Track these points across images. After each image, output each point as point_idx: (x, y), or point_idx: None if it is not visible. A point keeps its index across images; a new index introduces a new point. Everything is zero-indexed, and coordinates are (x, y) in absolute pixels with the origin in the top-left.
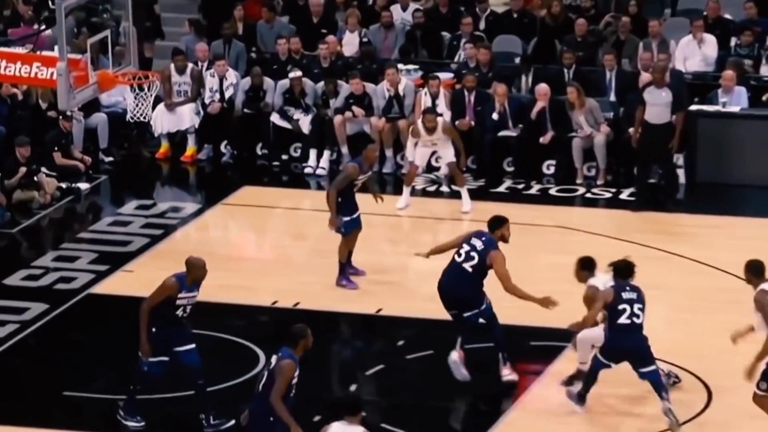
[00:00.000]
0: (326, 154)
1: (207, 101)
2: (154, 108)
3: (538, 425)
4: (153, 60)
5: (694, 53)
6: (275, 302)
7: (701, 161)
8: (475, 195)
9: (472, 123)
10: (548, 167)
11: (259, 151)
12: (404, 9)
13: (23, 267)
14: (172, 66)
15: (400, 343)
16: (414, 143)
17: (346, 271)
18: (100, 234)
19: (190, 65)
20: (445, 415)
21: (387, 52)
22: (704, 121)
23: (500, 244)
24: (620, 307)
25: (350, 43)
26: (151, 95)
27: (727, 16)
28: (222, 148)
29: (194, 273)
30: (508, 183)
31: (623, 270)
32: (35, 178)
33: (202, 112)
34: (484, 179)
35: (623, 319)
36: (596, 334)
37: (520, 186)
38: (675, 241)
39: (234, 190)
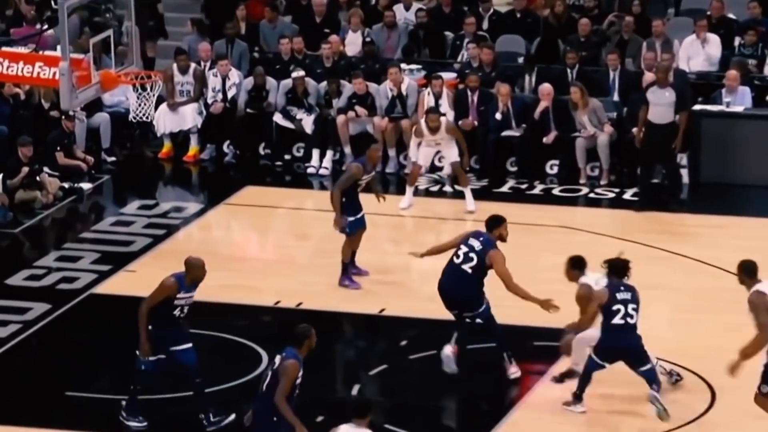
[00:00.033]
0: (329, 153)
1: (210, 101)
2: (156, 108)
3: (541, 425)
4: (156, 60)
5: (697, 53)
6: (278, 302)
7: (705, 161)
8: (478, 195)
9: (475, 123)
10: (551, 167)
11: (261, 151)
12: (407, 9)
13: (26, 267)
14: (175, 66)
15: (403, 343)
16: (417, 143)
17: (349, 271)
18: (102, 234)
19: (193, 65)
20: (448, 416)
21: (390, 51)
22: (708, 120)
23: (500, 244)
24: (614, 307)
25: (353, 43)
26: (154, 95)
27: (731, 15)
28: (225, 148)
29: (193, 273)
30: (511, 183)
31: (619, 268)
32: (38, 178)
33: (204, 112)
34: (487, 179)
35: (617, 320)
36: (591, 335)
37: (523, 186)
38: (678, 241)
39: (237, 190)
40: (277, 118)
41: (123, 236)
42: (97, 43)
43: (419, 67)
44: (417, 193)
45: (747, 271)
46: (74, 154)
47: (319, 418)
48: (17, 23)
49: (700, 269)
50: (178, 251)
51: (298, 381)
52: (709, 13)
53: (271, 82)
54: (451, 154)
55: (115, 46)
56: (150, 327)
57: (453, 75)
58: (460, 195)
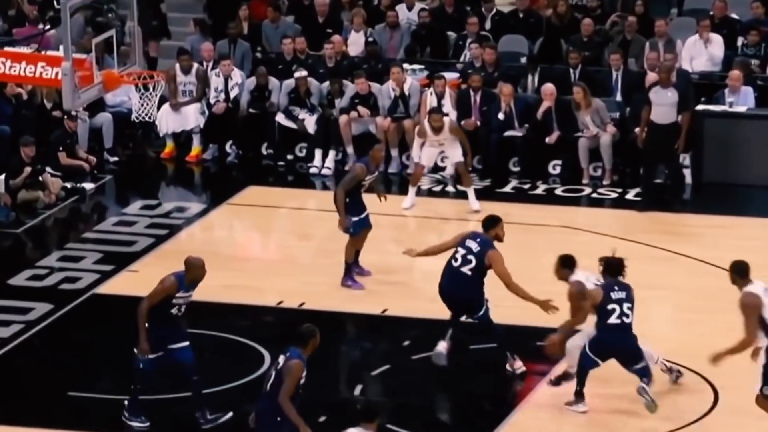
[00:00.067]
0: (331, 154)
1: (212, 101)
2: (159, 108)
3: (544, 426)
4: (158, 60)
5: (700, 53)
6: (280, 302)
7: (708, 161)
8: (480, 195)
9: (478, 123)
10: (554, 167)
11: (264, 151)
12: (410, 9)
13: (28, 267)
14: (177, 66)
15: (406, 343)
16: (420, 143)
17: (352, 270)
18: (104, 234)
19: (195, 65)
20: (451, 416)
21: (392, 51)
22: (711, 121)
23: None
24: (609, 307)
25: (355, 43)
26: (156, 95)
27: (734, 15)
28: (227, 148)
29: (193, 273)
30: (513, 183)
31: (614, 267)
32: (40, 178)
33: (207, 112)
34: (489, 179)
35: (613, 319)
36: (584, 338)
37: (526, 186)
38: (681, 241)
39: (239, 190)
40: (280, 118)
41: (125, 236)
42: (99, 43)
43: (422, 67)
44: (419, 193)
45: (739, 272)
46: (77, 154)
47: (322, 419)
48: (20, 23)
49: (703, 269)
50: (180, 251)
51: (302, 381)
52: (712, 13)
53: (273, 82)
54: (455, 154)
55: (118, 46)
56: (147, 325)
57: (455, 75)
58: (462, 195)
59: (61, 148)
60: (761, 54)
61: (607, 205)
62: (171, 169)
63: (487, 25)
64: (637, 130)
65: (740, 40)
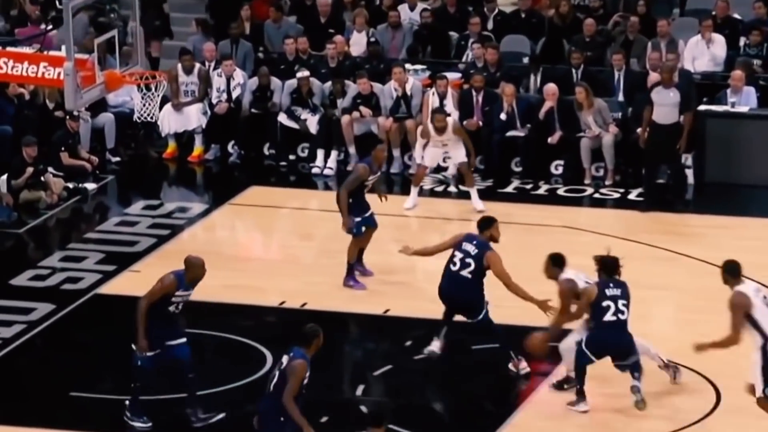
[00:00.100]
0: (334, 154)
1: (214, 101)
2: (161, 108)
3: (546, 426)
4: (160, 60)
5: (702, 53)
6: (282, 303)
7: (710, 161)
8: (482, 195)
9: (480, 123)
10: (556, 167)
11: (266, 151)
12: (412, 9)
13: (30, 267)
14: (180, 66)
15: (408, 343)
16: (423, 144)
17: (357, 267)
18: (107, 234)
19: (198, 65)
20: (453, 416)
21: (394, 51)
22: (713, 121)
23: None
24: (604, 304)
25: (358, 43)
26: (158, 95)
27: (736, 15)
28: (229, 148)
29: (193, 272)
30: (515, 183)
31: (609, 265)
32: (42, 178)
33: (209, 112)
34: (491, 179)
35: (609, 316)
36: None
37: (528, 186)
38: (683, 241)
39: (241, 190)
40: (282, 118)
41: (127, 236)
42: (101, 44)
43: (424, 67)
44: (422, 193)
45: (730, 272)
46: (79, 154)
47: (324, 419)
48: (22, 23)
49: (705, 270)
50: (182, 251)
51: (305, 381)
52: (714, 13)
53: (275, 82)
54: (458, 154)
55: (120, 47)
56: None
57: (458, 75)
58: (464, 195)
59: (63, 149)
60: (763, 54)
61: (609, 206)
62: (173, 169)
63: (489, 25)
64: (639, 130)
65: (742, 40)
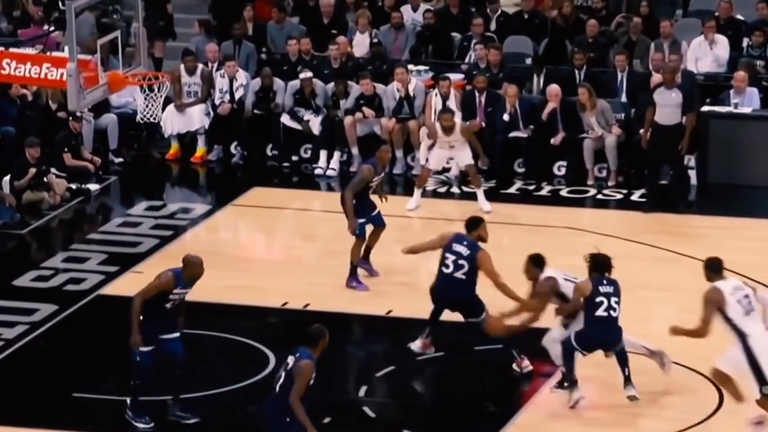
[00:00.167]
0: (336, 155)
1: (217, 102)
2: (164, 109)
3: (549, 427)
4: (163, 61)
5: (705, 54)
6: (285, 303)
7: (713, 162)
8: (485, 196)
9: (483, 124)
10: (559, 168)
11: (269, 152)
12: (415, 10)
13: (33, 268)
14: (182, 67)
15: (410, 344)
16: (429, 145)
17: (362, 266)
18: (109, 235)
19: (200, 66)
20: (456, 417)
21: (397, 52)
22: (716, 122)
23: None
24: (597, 300)
25: (360, 44)
26: (161, 96)
27: (739, 16)
28: (232, 149)
29: (191, 270)
30: (518, 184)
31: (601, 264)
32: (45, 179)
33: (212, 113)
34: (494, 180)
35: (600, 312)
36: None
37: (531, 187)
38: (686, 242)
39: (244, 191)
40: (285, 119)
41: (130, 237)
42: (104, 44)
43: (426, 68)
44: (424, 194)
45: (712, 269)
46: (81, 155)
47: (326, 419)
48: (25, 24)
49: None
50: (185, 252)
51: (311, 382)
52: (717, 14)
53: (278, 83)
54: (464, 156)
55: (123, 47)
56: (141, 318)
57: (460, 76)
58: (467, 196)
59: (66, 149)
60: (766, 55)
61: (612, 206)
62: (176, 170)
63: (492, 26)
64: (641, 131)
65: (745, 41)
